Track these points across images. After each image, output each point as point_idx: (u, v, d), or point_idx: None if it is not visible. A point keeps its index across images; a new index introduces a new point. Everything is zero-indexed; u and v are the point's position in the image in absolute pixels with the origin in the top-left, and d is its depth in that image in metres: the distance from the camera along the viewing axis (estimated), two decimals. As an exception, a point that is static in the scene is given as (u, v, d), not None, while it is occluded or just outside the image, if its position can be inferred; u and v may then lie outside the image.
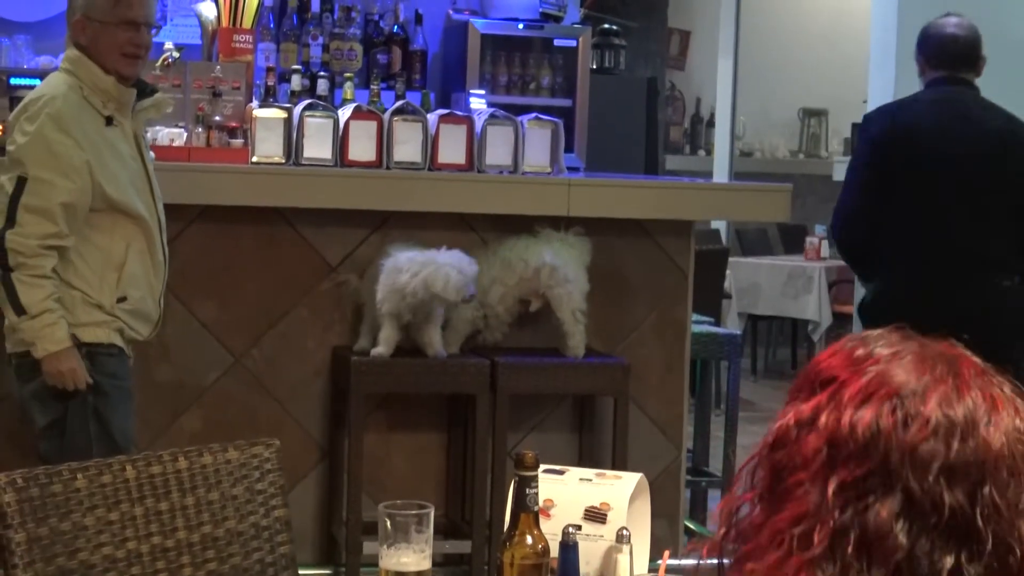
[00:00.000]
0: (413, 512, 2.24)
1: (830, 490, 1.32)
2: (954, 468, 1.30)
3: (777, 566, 1.34)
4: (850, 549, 1.30)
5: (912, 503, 1.30)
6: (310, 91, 6.06)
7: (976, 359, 1.38)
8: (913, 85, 7.27)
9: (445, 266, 4.18)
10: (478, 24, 6.46)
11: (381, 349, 4.27)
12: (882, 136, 4.72)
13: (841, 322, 8.83)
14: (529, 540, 2.08)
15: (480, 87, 6.12)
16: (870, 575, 1.30)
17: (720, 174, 9.77)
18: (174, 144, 4.32)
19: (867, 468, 1.32)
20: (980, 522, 1.29)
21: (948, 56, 4.67)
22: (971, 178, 4.50)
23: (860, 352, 1.40)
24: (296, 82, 6.16)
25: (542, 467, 2.17)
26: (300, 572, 2.89)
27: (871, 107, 6.93)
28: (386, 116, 4.55)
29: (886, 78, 7.27)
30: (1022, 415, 1.35)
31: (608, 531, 2.24)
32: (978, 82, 4.76)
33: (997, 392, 1.35)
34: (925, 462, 1.30)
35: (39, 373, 3.70)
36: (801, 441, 1.37)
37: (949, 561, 1.29)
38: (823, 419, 1.36)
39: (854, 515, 1.31)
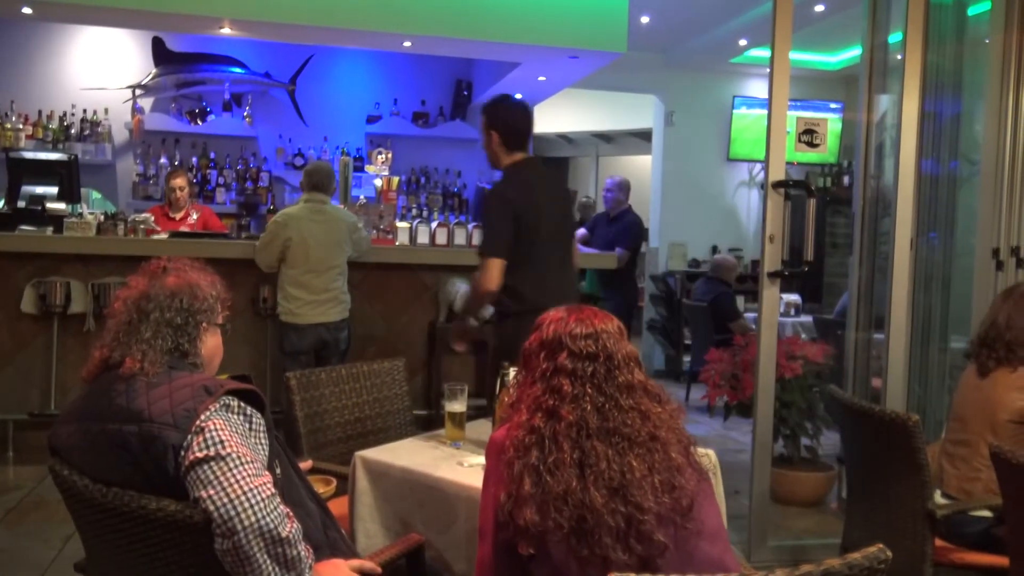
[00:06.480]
0: (459, 387, 2.26)
1: (541, 355, 1.37)
2: (587, 336, 1.34)
3: (524, 392, 1.37)
4: (549, 373, 1.35)
5: (572, 353, 1.34)
6: (419, 216, 6.22)
7: (590, 306, 1.41)
8: (669, 215, 6.62)
9: (463, 291, 4.18)
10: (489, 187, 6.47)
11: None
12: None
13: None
14: (506, 399, 1.90)
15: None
16: (560, 380, 1.33)
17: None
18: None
19: (552, 346, 1.36)
20: (603, 355, 1.33)
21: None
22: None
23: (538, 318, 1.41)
24: (414, 212, 6.27)
25: (512, 369, 2.12)
26: (414, 412, 2.78)
27: (651, 231, 6.53)
28: (451, 225, 4.56)
29: (656, 209, 6.97)
30: (600, 319, 1.37)
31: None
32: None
33: (599, 312, 1.38)
34: (574, 336, 1.35)
35: None
36: (533, 347, 1.39)
37: (591, 369, 1.33)
38: (537, 336, 1.39)
39: (550, 362, 1.36)
